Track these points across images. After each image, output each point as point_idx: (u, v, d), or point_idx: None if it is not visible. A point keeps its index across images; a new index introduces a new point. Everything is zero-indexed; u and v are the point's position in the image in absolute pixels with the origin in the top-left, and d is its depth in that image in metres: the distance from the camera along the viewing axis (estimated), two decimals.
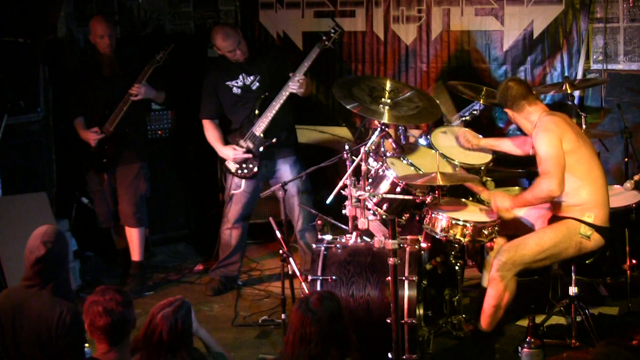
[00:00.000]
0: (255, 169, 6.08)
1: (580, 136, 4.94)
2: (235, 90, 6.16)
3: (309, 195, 6.18)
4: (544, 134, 4.84)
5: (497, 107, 6.30)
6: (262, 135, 6.03)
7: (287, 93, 5.99)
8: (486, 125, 6.59)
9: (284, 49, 7.05)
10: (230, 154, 6.11)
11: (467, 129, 5.71)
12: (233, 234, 6.28)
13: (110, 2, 7.59)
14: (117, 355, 3.73)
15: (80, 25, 7.23)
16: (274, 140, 6.04)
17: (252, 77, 6.14)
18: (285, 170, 6.16)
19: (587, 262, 5.07)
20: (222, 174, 6.25)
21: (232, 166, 6.14)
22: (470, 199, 5.37)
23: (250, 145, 6.05)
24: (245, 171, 6.11)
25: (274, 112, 6.01)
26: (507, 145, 5.47)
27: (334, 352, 3.44)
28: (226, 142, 6.18)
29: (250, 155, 6.06)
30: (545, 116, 4.93)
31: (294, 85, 5.93)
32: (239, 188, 6.18)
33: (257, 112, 6.05)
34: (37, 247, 4.02)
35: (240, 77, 6.15)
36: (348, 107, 5.31)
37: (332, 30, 6.05)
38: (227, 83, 6.16)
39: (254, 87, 6.14)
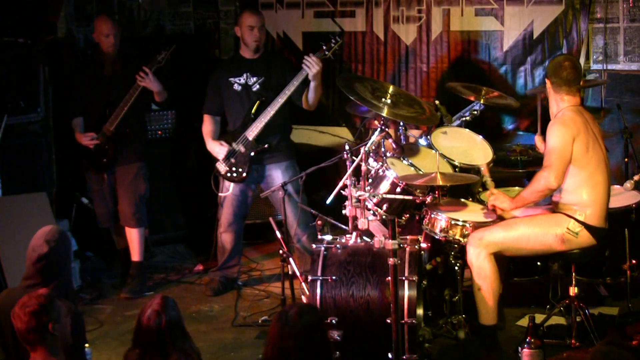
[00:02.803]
0: (244, 174, 6.07)
1: (594, 139, 4.89)
2: (236, 86, 6.16)
3: (303, 198, 6.16)
4: (558, 126, 4.81)
5: (497, 107, 6.30)
6: (254, 140, 6.03)
7: (283, 100, 5.97)
8: (486, 125, 6.58)
9: (290, 61, 7.05)
10: (216, 149, 6.11)
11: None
12: (228, 237, 6.27)
13: (110, 2, 7.58)
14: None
15: (80, 25, 7.22)
16: (265, 145, 6.04)
17: (255, 78, 6.14)
18: (277, 176, 6.14)
19: (585, 261, 5.06)
20: (212, 177, 6.23)
21: (222, 168, 6.13)
22: (470, 199, 5.37)
23: (242, 149, 6.04)
24: (235, 175, 6.09)
25: (268, 117, 6.00)
26: None
27: None
28: None
29: (224, 155, 6.04)
30: (568, 111, 4.89)
31: (306, 64, 5.81)
32: (227, 191, 6.18)
33: (252, 115, 6.05)
34: (40, 245, 4.05)
35: (245, 75, 6.15)
36: (350, 96, 5.32)
37: (333, 41, 5.99)
38: (230, 79, 6.16)
39: (254, 89, 6.13)
